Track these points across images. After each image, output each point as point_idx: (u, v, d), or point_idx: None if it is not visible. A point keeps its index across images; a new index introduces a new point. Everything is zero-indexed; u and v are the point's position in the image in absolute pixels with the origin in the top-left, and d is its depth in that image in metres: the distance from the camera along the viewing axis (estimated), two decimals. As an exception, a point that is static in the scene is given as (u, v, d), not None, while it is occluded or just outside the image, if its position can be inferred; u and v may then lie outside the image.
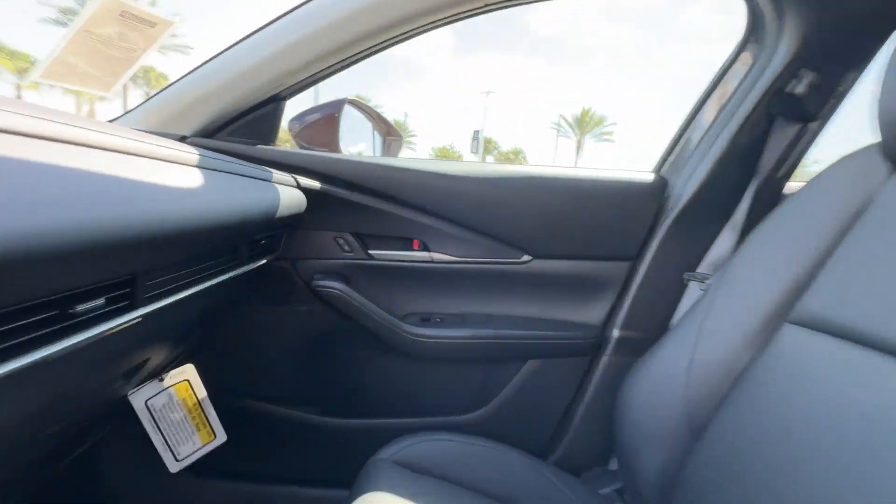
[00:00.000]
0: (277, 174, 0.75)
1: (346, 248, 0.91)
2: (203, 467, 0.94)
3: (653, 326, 0.94)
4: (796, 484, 0.45)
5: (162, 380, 0.63)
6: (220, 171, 0.59)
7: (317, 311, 0.92)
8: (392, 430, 0.93)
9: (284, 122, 0.96)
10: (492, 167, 0.92)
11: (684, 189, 0.90)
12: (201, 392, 0.69)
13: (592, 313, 0.97)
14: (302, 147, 0.95)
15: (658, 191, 0.94)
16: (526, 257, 0.93)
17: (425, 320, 0.94)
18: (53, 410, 0.46)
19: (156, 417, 0.62)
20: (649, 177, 0.95)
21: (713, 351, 0.66)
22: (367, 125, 1.12)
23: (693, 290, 0.91)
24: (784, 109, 0.81)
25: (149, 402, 0.61)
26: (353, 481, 0.69)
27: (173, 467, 0.64)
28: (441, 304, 0.96)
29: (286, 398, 0.96)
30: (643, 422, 0.72)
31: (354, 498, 0.62)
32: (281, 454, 0.97)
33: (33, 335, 0.33)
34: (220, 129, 0.84)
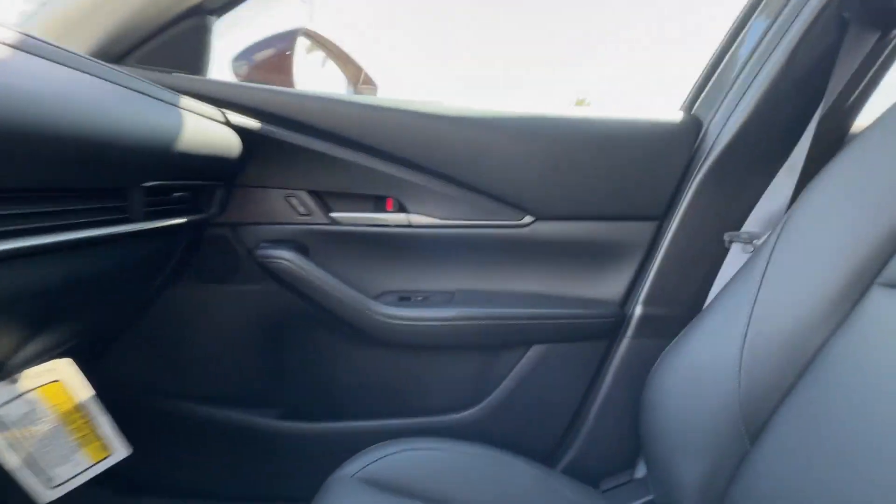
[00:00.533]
0: (193, 102, 0.56)
1: (302, 209, 0.73)
2: (130, 482, 0.76)
3: (684, 301, 0.76)
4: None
5: (15, 381, 0.44)
6: (85, 72, 0.40)
7: (269, 291, 0.74)
8: (368, 434, 0.76)
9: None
10: (485, 108, 0.74)
11: (724, 128, 0.72)
12: (84, 394, 0.50)
13: (609, 287, 0.79)
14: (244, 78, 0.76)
15: (690, 133, 0.75)
16: (527, 219, 0.75)
17: (403, 299, 0.76)
18: None
19: (11, 433, 0.44)
20: (678, 116, 0.77)
21: (776, 327, 0.51)
22: (331, 66, 0.93)
23: (737, 255, 0.73)
24: (862, 12, 0.62)
25: (-4, 413, 0.43)
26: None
27: (44, 496, 0.46)
28: (423, 279, 0.78)
29: (232, 399, 0.78)
30: (681, 420, 0.58)
31: None
32: (228, 466, 0.80)
33: None
34: (128, 53, 0.65)
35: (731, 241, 0.73)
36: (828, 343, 0.45)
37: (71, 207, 0.40)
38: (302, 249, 0.74)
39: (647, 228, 0.77)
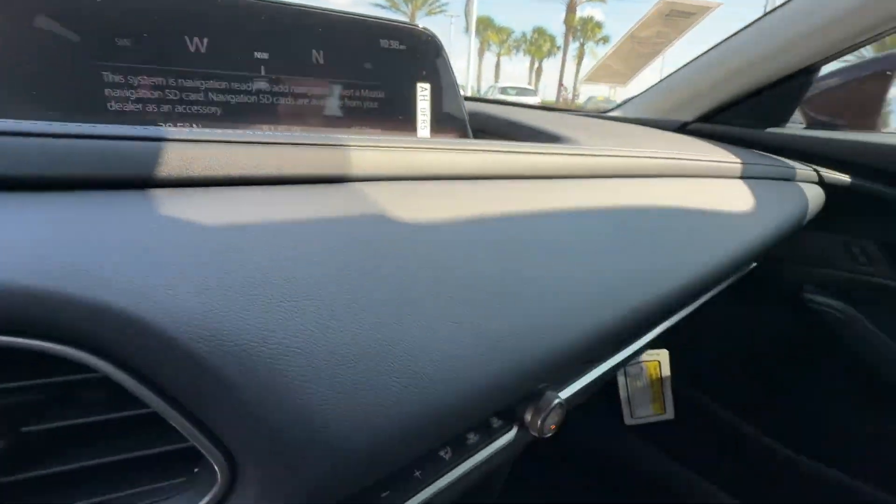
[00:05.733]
0: (800, 169, 0.64)
1: (862, 259, 0.71)
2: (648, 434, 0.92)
3: None
4: None
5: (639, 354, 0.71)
6: (759, 178, 0.54)
7: (796, 326, 0.78)
8: (860, 494, 0.72)
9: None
10: None
11: None
12: (665, 373, 0.73)
13: None
14: (813, 122, 0.77)
15: None
16: None
17: None
18: None
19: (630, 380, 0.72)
20: None
21: None
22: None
23: None
24: None
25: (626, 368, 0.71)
26: None
27: (628, 420, 0.74)
28: None
29: (733, 403, 0.87)
30: None
31: None
32: (712, 452, 0.87)
33: None
34: (721, 111, 0.77)
35: None
36: None
37: None
38: (847, 298, 0.72)
39: None
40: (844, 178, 0.67)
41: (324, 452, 0.19)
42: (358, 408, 0.19)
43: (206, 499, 0.18)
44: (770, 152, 0.69)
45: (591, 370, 0.42)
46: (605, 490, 0.92)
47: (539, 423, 0.33)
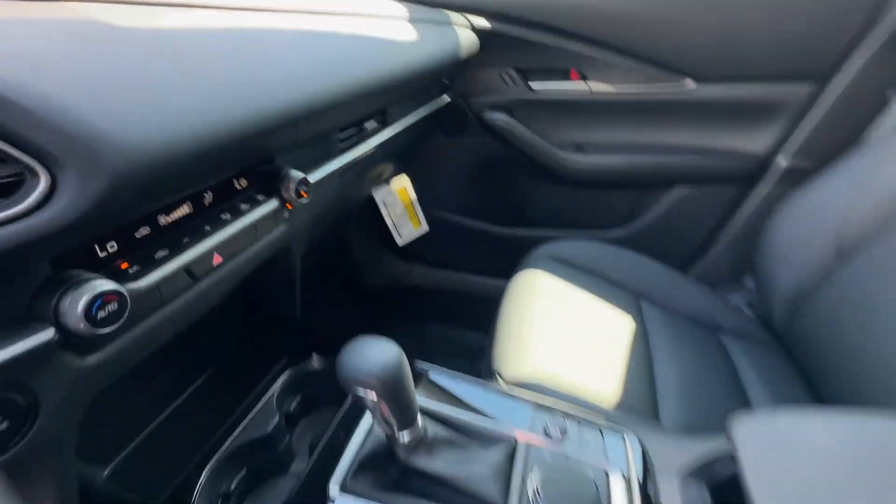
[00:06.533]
0: (454, 16, 0.87)
1: (511, 82, 1.02)
2: (409, 254, 1.26)
3: (833, 156, 0.83)
4: None
5: (388, 183, 0.91)
6: (421, 21, 0.73)
7: (487, 142, 1.09)
8: (547, 238, 1.11)
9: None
10: None
11: None
12: (413, 194, 0.97)
13: (757, 141, 0.95)
14: None
15: None
16: (691, 85, 0.93)
17: (579, 149, 1.05)
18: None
19: (390, 210, 0.93)
20: None
21: None
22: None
23: None
24: None
25: (383, 198, 0.91)
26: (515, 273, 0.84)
27: (399, 241, 0.96)
28: (597, 134, 1.04)
29: (463, 209, 1.21)
30: (789, 240, 0.77)
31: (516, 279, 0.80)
32: (459, 250, 1.24)
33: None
34: None
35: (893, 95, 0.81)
36: None
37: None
38: (510, 112, 1.06)
39: (805, 86, 0.88)
40: (486, 23, 0.94)
41: (115, 151, 0.29)
42: (133, 124, 0.30)
43: (35, 194, 0.27)
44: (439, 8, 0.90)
45: (330, 161, 0.59)
46: (385, 309, 1.21)
47: (291, 193, 0.47)
